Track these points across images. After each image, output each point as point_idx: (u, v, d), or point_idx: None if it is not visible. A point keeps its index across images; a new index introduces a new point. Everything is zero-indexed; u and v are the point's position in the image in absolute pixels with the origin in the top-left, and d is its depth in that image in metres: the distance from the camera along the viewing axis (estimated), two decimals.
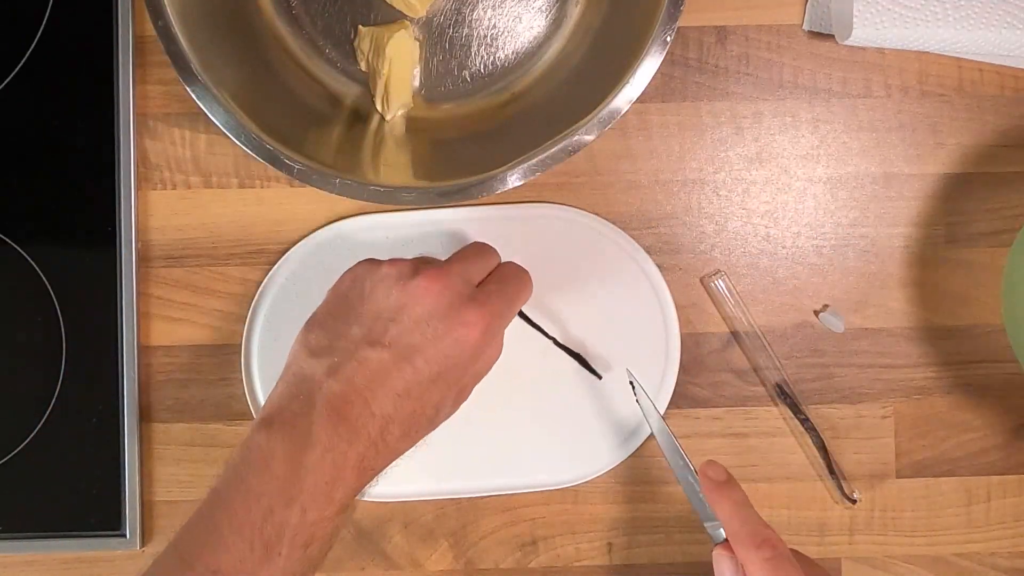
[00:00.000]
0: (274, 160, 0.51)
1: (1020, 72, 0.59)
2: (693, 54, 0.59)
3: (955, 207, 0.59)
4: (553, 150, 0.52)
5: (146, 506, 0.58)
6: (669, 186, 0.59)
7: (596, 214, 0.58)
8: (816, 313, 0.59)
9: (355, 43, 0.58)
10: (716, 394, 0.59)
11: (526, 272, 0.52)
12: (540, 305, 0.58)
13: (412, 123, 0.58)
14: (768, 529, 0.49)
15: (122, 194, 0.57)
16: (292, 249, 0.58)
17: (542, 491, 0.58)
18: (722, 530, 0.50)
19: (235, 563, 0.42)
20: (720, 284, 0.58)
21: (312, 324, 0.49)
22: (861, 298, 0.59)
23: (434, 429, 0.49)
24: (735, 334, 0.59)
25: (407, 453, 0.48)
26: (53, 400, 0.57)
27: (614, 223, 0.58)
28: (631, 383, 0.54)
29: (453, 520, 0.59)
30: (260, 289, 0.58)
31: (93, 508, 0.57)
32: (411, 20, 0.58)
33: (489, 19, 0.58)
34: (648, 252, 0.58)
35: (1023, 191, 0.59)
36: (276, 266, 0.58)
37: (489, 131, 0.57)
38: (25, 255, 0.58)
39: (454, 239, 0.58)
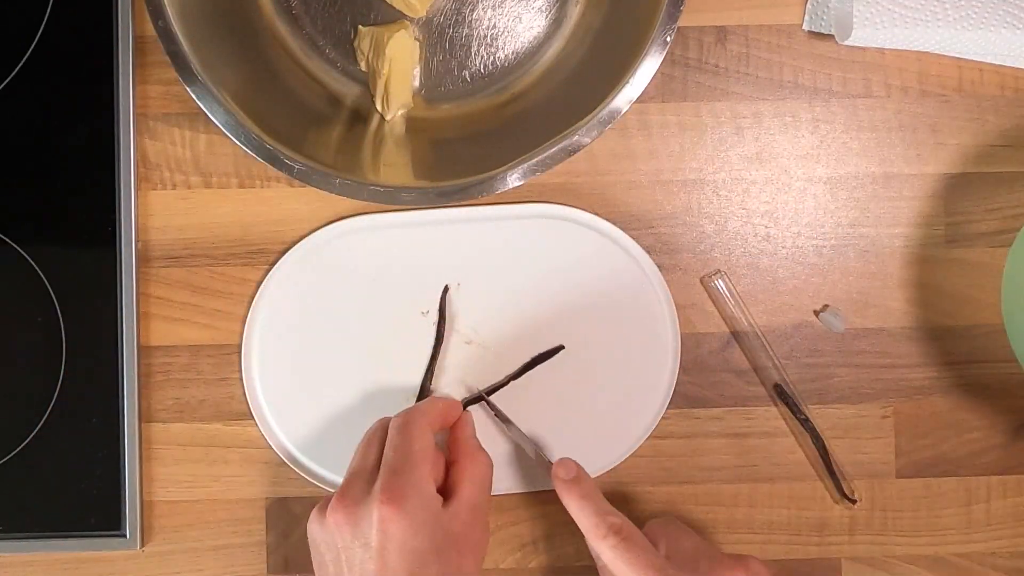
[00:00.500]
0: (274, 160, 0.51)
1: (1020, 72, 0.59)
2: (693, 54, 0.59)
3: (955, 207, 0.59)
4: (553, 150, 0.52)
5: (146, 506, 0.58)
6: (669, 186, 0.59)
7: (596, 214, 0.58)
8: (816, 313, 0.59)
9: (355, 43, 0.58)
10: (716, 394, 0.59)
11: (481, 460, 0.53)
12: (540, 306, 0.58)
13: (412, 123, 0.58)
14: (612, 516, 0.51)
15: (122, 194, 0.57)
16: (292, 249, 0.58)
17: (542, 491, 0.58)
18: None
19: None
20: (720, 284, 0.58)
21: None
22: (861, 298, 0.59)
23: None
24: (735, 334, 0.59)
25: None
26: (53, 400, 0.57)
27: (614, 223, 0.58)
28: (483, 399, 0.57)
29: None
30: (260, 289, 0.58)
31: (93, 508, 0.57)
32: (411, 20, 0.58)
33: (489, 19, 0.58)
34: (648, 252, 0.58)
35: (1023, 191, 0.59)
36: (276, 266, 0.58)
37: (489, 131, 0.57)
38: (25, 255, 0.58)
39: (454, 239, 0.58)
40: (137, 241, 0.58)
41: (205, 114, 0.51)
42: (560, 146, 0.52)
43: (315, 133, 0.56)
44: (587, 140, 0.52)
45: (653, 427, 0.58)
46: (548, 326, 0.58)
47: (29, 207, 0.58)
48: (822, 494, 0.59)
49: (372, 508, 0.48)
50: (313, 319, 0.58)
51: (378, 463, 0.50)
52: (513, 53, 0.59)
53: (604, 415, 0.58)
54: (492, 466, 0.53)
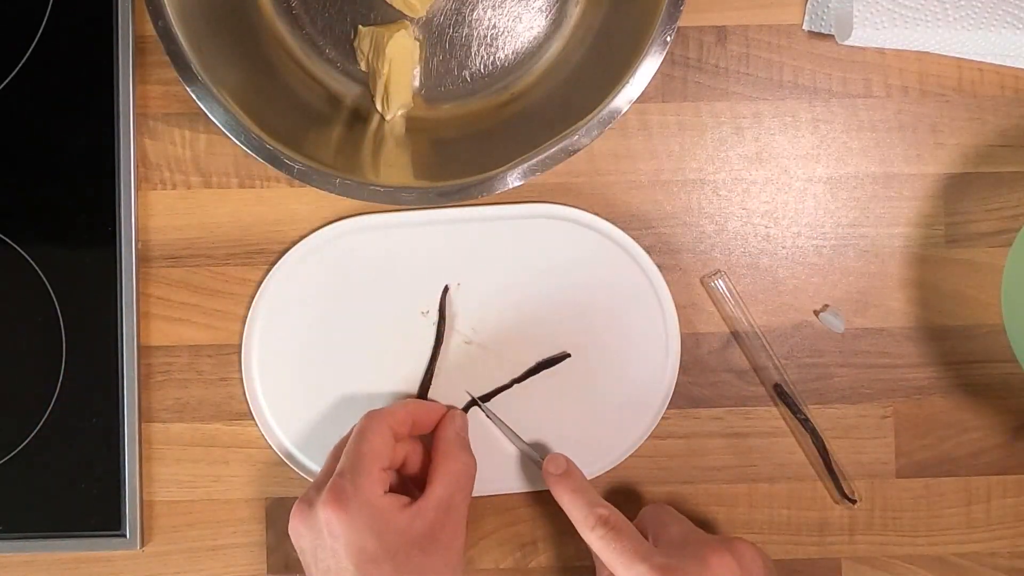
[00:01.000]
0: (274, 160, 0.51)
1: (1020, 72, 0.59)
2: (693, 54, 0.59)
3: (955, 207, 0.59)
4: (553, 150, 0.52)
5: (146, 506, 0.58)
6: (669, 186, 0.59)
7: (596, 214, 0.58)
8: (816, 313, 0.59)
9: (355, 43, 0.58)
10: (716, 394, 0.59)
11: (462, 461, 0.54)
12: (540, 307, 0.58)
13: (412, 123, 0.58)
14: (601, 507, 0.52)
15: (122, 194, 0.57)
16: (292, 249, 0.58)
17: (542, 491, 0.58)
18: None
19: None
20: (720, 284, 0.58)
21: None
22: (861, 298, 0.59)
23: None
24: (735, 334, 0.59)
25: None
26: (53, 400, 0.57)
27: (614, 223, 0.58)
28: (475, 402, 0.57)
29: None
30: (260, 289, 0.58)
31: (93, 508, 0.57)
32: (411, 20, 0.58)
33: (489, 19, 0.58)
34: (648, 252, 0.58)
35: (1023, 191, 0.59)
36: (276, 266, 0.58)
37: (489, 131, 0.57)
38: (25, 255, 0.58)
39: (454, 239, 0.58)
40: (137, 241, 0.58)
41: (205, 114, 0.51)
42: (560, 146, 0.52)
43: (315, 133, 0.56)
44: (587, 140, 0.52)
45: (653, 427, 0.58)
46: (548, 326, 0.58)
47: (29, 207, 0.58)
48: (822, 494, 0.59)
49: (318, 510, 0.49)
50: (313, 319, 0.58)
51: None
52: (513, 53, 0.59)
53: (604, 415, 0.58)
54: (473, 466, 0.54)
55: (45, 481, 0.58)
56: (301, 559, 0.51)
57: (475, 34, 0.58)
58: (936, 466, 0.59)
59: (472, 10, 0.58)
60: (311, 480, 0.57)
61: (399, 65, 0.57)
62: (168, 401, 0.58)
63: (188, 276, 0.58)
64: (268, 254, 0.58)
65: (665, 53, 0.51)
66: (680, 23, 0.51)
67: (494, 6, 0.58)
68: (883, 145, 0.59)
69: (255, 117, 0.52)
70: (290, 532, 0.51)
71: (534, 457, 0.57)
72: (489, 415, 0.57)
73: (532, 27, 0.58)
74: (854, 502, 0.58)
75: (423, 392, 0.58)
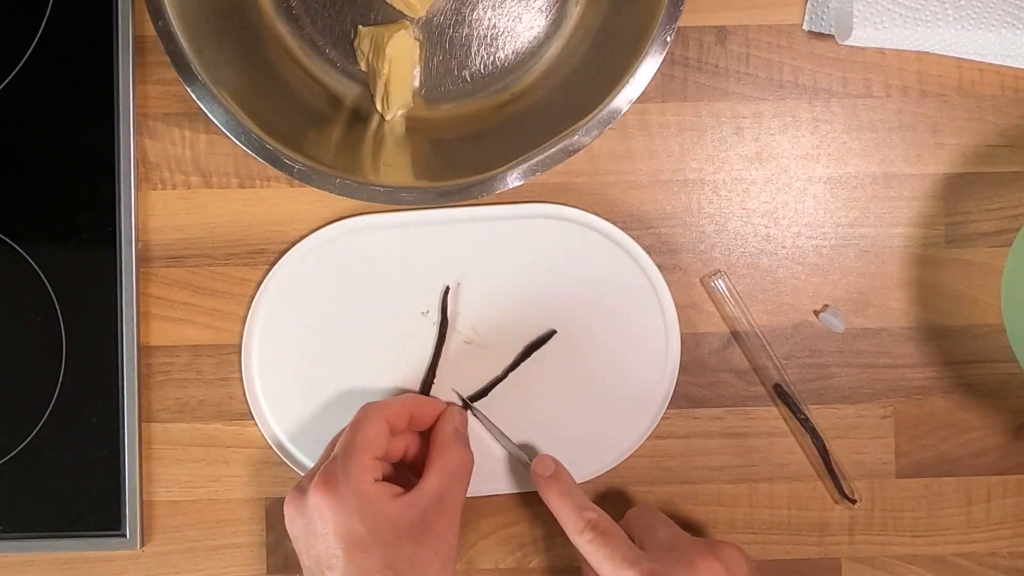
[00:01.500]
0: (274, 160, 0.51)
1: (1020, 72, 0.59)
2: (693, 54, 0.59)
3: (955, 207, 0.59)
4: (553, 150, 0.52)
5: (146, 506, 0.58)
6: (669, 186, 0.59)
7: (596, 214, 0.58)
8: (816, 313, 0.59)
9: (355, 43, 0.58)
10: (716, 394, 0.59)
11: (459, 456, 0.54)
12: (540, 306, 0.58)
13: (412, 123, 0.58)
14: (589, 511, 0.52)
15: (122, 194, 0.57)
16: (292, 249, 0.58)
17: None
18: None
19: None
20: (720, 284, 0.58)
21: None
22: (861, 298, 0.59)
23: None
24: (735, 334, 0.59)
25: None
26: (53, 400, 0.57)
27: (614, 223, 0.58)
28: (464, 402, 0.57)
29: None
30: (260, 289, 0.58)
31: (93, 508, 0.57)
32: (411, 20, 0.58)
33: (489, 19, 0.58)
34: (648, 252, 0.58)
35: (1023, 191, 0.59)
36: (276, 266, 0.58)
37: (489, 131, 0.57)
38: (25, 255, 0.58)
39: (454, 239, 0.58)
40: (137, 241, 0.58)
41: (205, 114, 0.51)
42: (560, 146, 0.52)
43: (315, 133, 0.56)
44: (587, 140, 0.52)
45: (653, 427, 0.58)
46: (547, 326, 0.58)
47: (29, 207, 0.58)
48: (822, 494, 0.59)
49: (309, 495, 0.50)
50: (313, 319, 0.58)
51: None
52: (513, 53, 0.59)
53: (604, 415, 0.58)
54: (469, 461, 0.54)
55: (45, 481, 0.58)
56: (295, 548, 0.52)
57: (475, 34, 0.58)
58: (936, 466, 0.59)
59: (472, 10, 0.58)
60: None
61: (399, 65, 0.57)
62: (168, 401, 0.58)
63: (188, 276, 0.58)
64: (268, 254, 0.58)
65: (665, 53, 0.51)
66: (680, 23, 0.51)
67: (494, 6, 0.58)
68: (883, 145, 0.59)
69: (255, 117, 0.52)
70: (285, 520, 0.52)
71: (522, 459, 0.57)
72: (478, 415, 0.57)
73: (532, 27, 0.58)
74: (854, 502, 0.58)
75: (425, 390, 0.58)
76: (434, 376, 0.58)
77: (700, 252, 0.59)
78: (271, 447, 0.58)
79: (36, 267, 0.57)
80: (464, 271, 0.58)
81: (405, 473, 0.55)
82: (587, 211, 0.58)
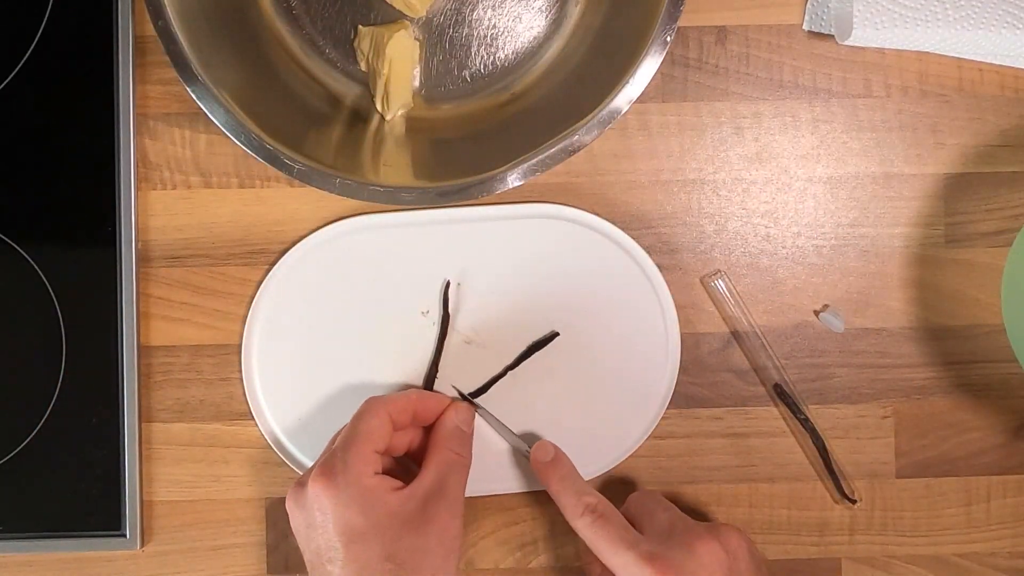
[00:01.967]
0: (274, 160, 0.51)
1: (1020, 72, 0.59)
2: (693, 54, 0.59)
3: (955, 207, 0.59)
4: (553, 150, 0.52)
5: (146, 506, 0.58)
6: (669, 186, 0.59)
7: (596, 214, 0.58)
8: (816, 313, 0.59)
9: (355, 43, 0.58)
10: (716, 394, 0.59)
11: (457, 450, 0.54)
12: (540, 307, 0.58)
13: (412, 123, 0.58)
14: (588, 495, 0.53)
15: (122, 194, 0.57)
16: (292, 249, 0.58)
17: (542, 491, 0.58)
18: None
19: None
20: (720, 284, 0.58)
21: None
22: (861, 298, 0.59)
23: None
24: (735, 334, 0.59)
25: None
26: (53, 400, 0.57)
27: (614, 223, 0.58)
28: (462, 396, 0.57)
29: None
30: (260, 289, 0.58)
31: (93, 508, 0.57)
32: (411, 20, 0.58)
33: (489, 19, 0.58)
34: (648, 252, 0.58)
35: (1023, 191, 0.59)
36: (276, 266, 0.58)
37: (489, 131, 0.57)
38: (25, 255, 0.58)
39: (454, 239, 0.58)
40: (137, 241, 0.58)
41: (205, 114, 0.51)
42: (560, 146, 0.52)
43: (315, 133, 0.56)
44: (587, 140, 0.52)
45: (653, 427, 0.58)
46: (547, 326, 0.58)
47: (29, 207, 0.58)
48: (822, 494, 0.59)
49: (308, 487, 0.50)
50: (313, 319, 0.58)
51: None
52: (513, 53, 0.59)
53: (604, 415, 0.58)
54: (468, 456, 0.54)
55: (45, 481, 0.58)
56: (298, 543, 0.51)
57: (475, 34, 0.58)
58: (936, 466, 0.59)
59: (472, 10, 0.58)
60: None
61: (399, 65, 0.57)
62: (168, 401, 0.58)
63: (188, 276, 0.58)
64: (268, 254, 0.58)
65: (665, 53, 0.51)
66: (680, 23, 0.51)
67: (494, 6, 0.58)
68: (883, 145, 0.59)
69: (255, 117, 0.52)
70: (288, 516, 0.52)
71: (523, 448, 0.57)
72: (478, 408, 0.57)
73: (532, 27, 0.58)
74: (854, 502, 0.58)
75: (428, 385, 0.58)
76: (436, 370, 0.58)
77: (700, 252, 0.59)
78: (271, 447, 0.58)
79: (36, 267, 0.57)
80: (464, 271, 0.58)
81: (409, 468, 0.55)
82: (587, 211, 0.58)
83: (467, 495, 0.58)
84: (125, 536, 0.57)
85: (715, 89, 0.59)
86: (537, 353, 0.58)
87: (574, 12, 0.58)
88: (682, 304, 0.58)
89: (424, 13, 0.58)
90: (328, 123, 0.58)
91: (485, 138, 0.57)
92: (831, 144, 0.59)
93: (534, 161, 0.52)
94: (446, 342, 0.58)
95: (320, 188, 0.52)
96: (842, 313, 0.59)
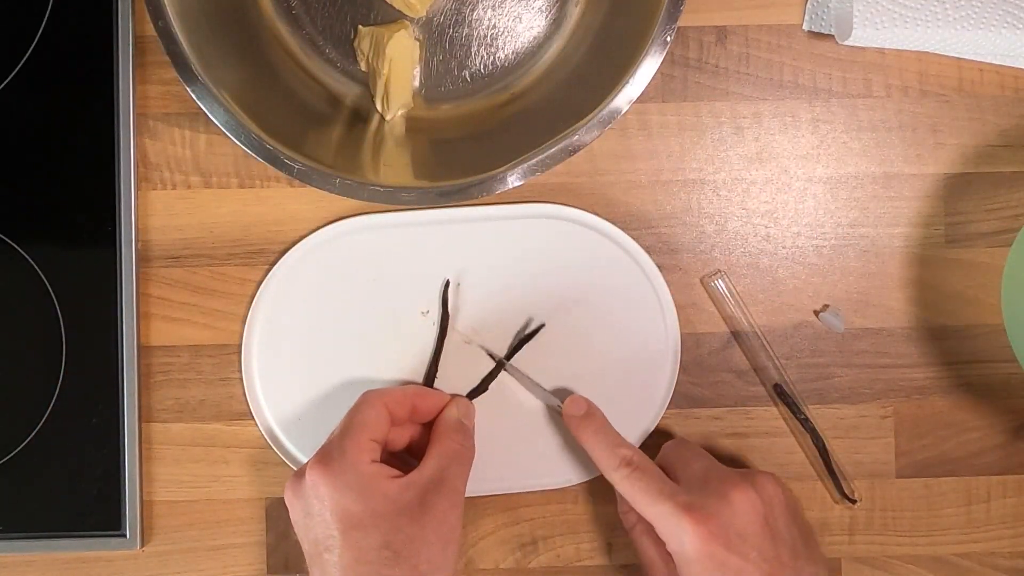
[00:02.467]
0: (274, 160, 0.51)
1: (1020, 72, 0.59)
2: (693, 54, 0.59)
3: (955, 207, 0.59)
4: (553, 150, 0.52)
5: (146, 506, 0.58)
6: (669, 186, 0.59)
7: (596, 214, 0.58)
8: (816, 313, 0.59)
9: (355, 43, 0.58)
10: (716, 394, 0.59)
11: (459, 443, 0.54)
12: (540, 306, 0.58)
13: (412, 123, 0.58)
14: (623, 447, 0.53)
15: (122, 194, 0.57)
16: (292, 249, 0.58)
17: (542, 491, 0.58)
18: None
19: None
20: (720, 284, 0.58)
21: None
22: (861, 298, 0.59)
23: None
24: (735, 334, 0.59)
25: None
26: (53, 400, 0.57)
27: (614, 223, 0.58)
28: (500, 364, 0.57)
29: None
30: (260, 289, 0.58)
31: (93, 508, 0.57)
32: (411, 20, 0.58)
33: (489, 19, 0.58)
34: (648, 252, 0.58)
35: (1023, 191, 0.59)
36: (276, 266, 0.58)
37: (489, 131, 0.57)
38: (25, 255, 0.58)
39: (454, 239, 0.58)
40: (137, 241, 0.58)
41: (205, 114, 0.51)
42: (560, 146, 0.52)
43: (315, 133, 0.56)
44: (587, 140, 0.52)
45: (653, 427, 0.58)
46: (548, 326, 0.58)
47: (29, 207, 0.58)
48: (822, 494, 0.59)
49: (305, 475, 0.50)
50: (313, 319, 0.58)
51: None
52: (513, 53, 0.59)
53: (604, 415, 0.58)
54: (470, 447, 0.54)
55: (45, 481, 0.58)
56: (297, 535, 0.51)
57: (475, 34, 0.58)
58: (936, 466, 0.59)
59: (472, 10, 0.58)
60: None
61: (399, 65, 0.57)
62: (168, 401, 0.58)
63: (188, 276, 0.58)
64: (268, 254, 0.58)
65: (665, 53, 0.51)
66: (680, 23, 0.51)
67: (494, 6, 0.58)
68: (883, 145, 0.59)
69: (255, 117, 0.52)
70: (287, 506, 0.52)
71: (554, 404, 0.57)
72: (508, 369, 0.57)
73: (532, 27, 0.58)
74: (854, 502, 0.58)
75: (428, 382, 0.58)
76: (436, 370, 0.58)
77: (700, 252, 0.59)
78: (271, 447, 0.58)
79: (36, 267, 0.57)
80: (464, 271, 0.58)
81: (410, 465, 0.55)
82: (587, 211, 0.58)
83: (468, 495, 0.58)
84: (125, 536, 0.57)
85: (715, 89, 0.59)
86: (536, 353, 0.58)
87: (574, 12, 0.58)
88: (682, 304, 0.58)
89: (424, 13, 0.58)
90: (328, 123, 0.58)
91: (485, 138, 0.57)
92: (831, 144, 0.59)
93: (534, 161, 0.52)
94: (446, 342, 0.58)
95: (320, 188, 0.52)
96: (842, 313, 0.59)
